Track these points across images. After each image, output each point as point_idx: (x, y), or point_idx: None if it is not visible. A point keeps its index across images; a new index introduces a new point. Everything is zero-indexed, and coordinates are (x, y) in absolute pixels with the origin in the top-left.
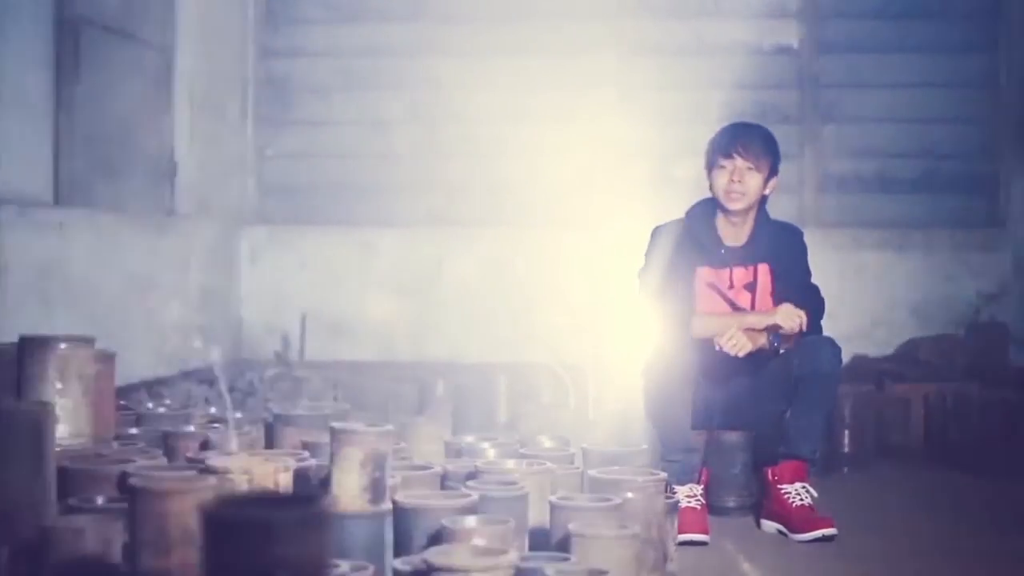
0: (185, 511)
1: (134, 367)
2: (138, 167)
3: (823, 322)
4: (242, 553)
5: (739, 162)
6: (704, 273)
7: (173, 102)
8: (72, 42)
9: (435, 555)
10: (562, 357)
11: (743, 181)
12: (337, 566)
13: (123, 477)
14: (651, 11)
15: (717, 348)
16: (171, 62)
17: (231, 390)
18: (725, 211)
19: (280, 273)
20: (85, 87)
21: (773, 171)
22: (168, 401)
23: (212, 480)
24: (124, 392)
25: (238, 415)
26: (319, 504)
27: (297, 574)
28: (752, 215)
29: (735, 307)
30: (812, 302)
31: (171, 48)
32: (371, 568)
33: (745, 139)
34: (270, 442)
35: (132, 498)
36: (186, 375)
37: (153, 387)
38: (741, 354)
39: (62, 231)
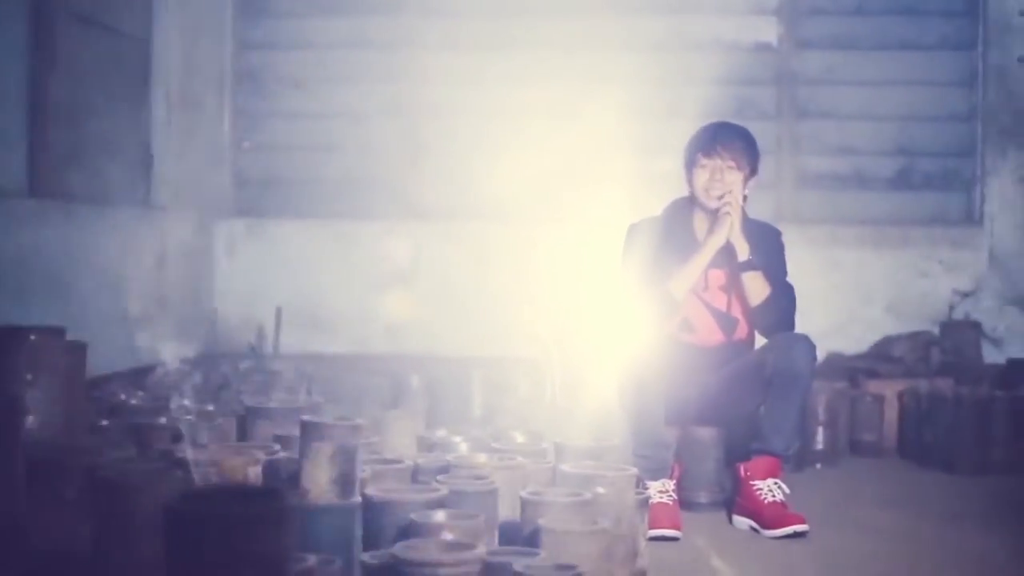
0: (151, 504)
1: (109, 359)
2: (114, 159)
3: (796, 318)
4: (203, 547)
5: (719, 161)
6: None
7: (150, 94)
8: (48, 33)
9: (402, 549)
10: (539, 352)
11: (724, 180)
12: (304, 559)
13: (92, 469)
14: (630, 7)
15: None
16: (148, 54)
17: (205, 382)
18: (705, 209)
19: (256, 266)
20: (61, 78)
21: (753, 171)
22: (141, 393)
23: (179, 473)
24: (98, 384)
25: (210, 408)
26: (280, 498)
27: (258, 568)
28: None
29: (709, 308)
30: (785, 299)
31: (148, 40)
32: (338, 562)
33: (725, 138)
34: (243, 435)
35: (99, 491)
36: (159, 367)
37: (127, 379)
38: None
39: (37, 222)
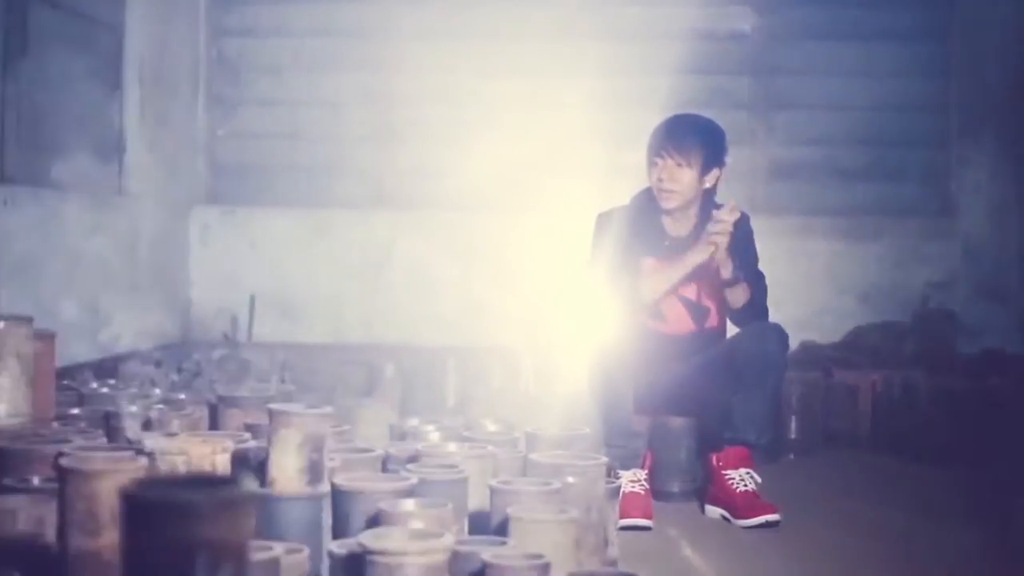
0: (114, 492)
1: (80, 347)
2: (87, 145)
3: (770, 308)
4: (159, 535)
5: (668, 161)
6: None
7: (123, 80)
8: (20, 18)
9: (370, 538)
10: (513, 341)
11: (673, 179)
12: (270, 548)
13: (57, 457)
14: None
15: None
16: (121, 40)
17: (179, 371)
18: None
19: (230, 254)
20: (33, 64)
21: (710, 164)
22: (112, 381)
23: (142, 461)
24: (69, 372)
25: (182, 396)
26: (238, 487)
27: (216, 556)
28: (695, 206)
29: (680, 297)
30: (757, 287)
31: (121, 26)
32: (306, 550)
33: (675, 136)
34: (214, 423)
35: (62, 479)
36: (132, 356)
37: (98, 367)
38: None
39: (7, 208)
